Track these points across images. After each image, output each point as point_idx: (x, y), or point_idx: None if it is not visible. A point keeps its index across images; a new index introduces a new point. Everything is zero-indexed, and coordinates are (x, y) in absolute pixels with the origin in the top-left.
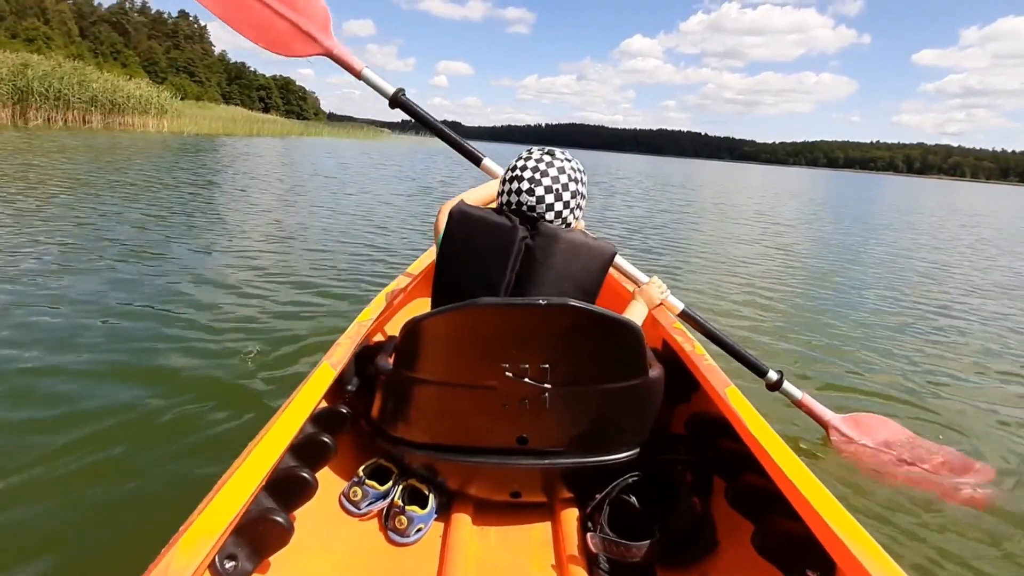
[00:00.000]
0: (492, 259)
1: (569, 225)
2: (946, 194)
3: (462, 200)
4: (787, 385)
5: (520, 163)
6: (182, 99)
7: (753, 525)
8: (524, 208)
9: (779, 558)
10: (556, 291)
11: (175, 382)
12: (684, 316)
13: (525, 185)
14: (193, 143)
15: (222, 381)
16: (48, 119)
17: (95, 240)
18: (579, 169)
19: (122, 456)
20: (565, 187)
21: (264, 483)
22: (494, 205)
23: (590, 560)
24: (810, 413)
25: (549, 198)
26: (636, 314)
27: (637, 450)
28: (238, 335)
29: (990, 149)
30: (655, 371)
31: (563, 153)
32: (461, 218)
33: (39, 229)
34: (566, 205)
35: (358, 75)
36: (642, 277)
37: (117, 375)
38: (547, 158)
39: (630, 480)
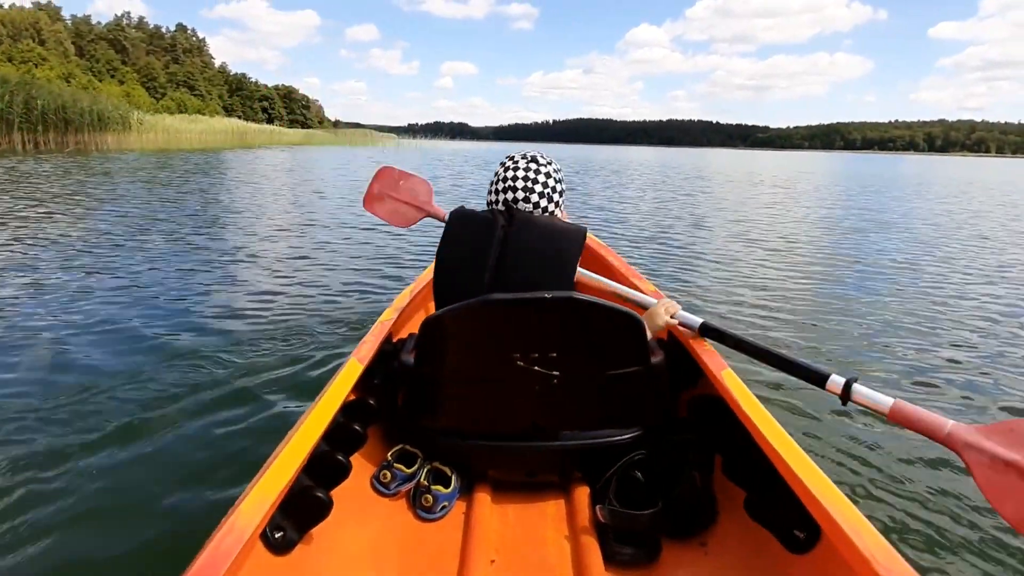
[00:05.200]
0: (476, 250)
1: (551, 214)
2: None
3: (462, 205)
4: (864, 390)
5: (504, 173)
6: (180, 112)
7: (745, 493)
8: (510, 203)
9: (769, 521)
10: (535, 271)
11: (221, 380)
12: (706, 331)
13: (510, 186)
14: (141, 164)
15: (261, 376)
16: None
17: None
18: (554, 168)
19: (177, 446)
20: (545, 184)
21: (304, 465)
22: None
23: (600, 531)
24: (916, 427)
25: (533, 197)
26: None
27: (642, 430)
28: (268, 337)
29: (1015, 122)
30: (657, 357)
31: (542, 157)
32: (457, 219)
33: None
34: (548, 199)
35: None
36: (647, 300)
37: (167, 381)
38: (533, 165)
39: (636, 458)
